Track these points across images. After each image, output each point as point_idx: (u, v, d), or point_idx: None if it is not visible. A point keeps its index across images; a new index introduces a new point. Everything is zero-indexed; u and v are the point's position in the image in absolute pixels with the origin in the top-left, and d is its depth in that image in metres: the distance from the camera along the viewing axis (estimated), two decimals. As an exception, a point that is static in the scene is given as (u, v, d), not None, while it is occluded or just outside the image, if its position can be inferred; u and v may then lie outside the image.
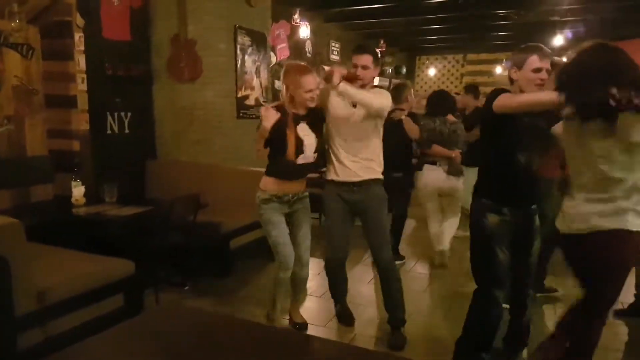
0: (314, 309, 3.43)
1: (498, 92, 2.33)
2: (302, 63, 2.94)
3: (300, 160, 2.78)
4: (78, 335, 1.38)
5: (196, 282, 3.70)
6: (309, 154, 2.81)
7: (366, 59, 2.78)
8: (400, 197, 4.26)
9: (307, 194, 3.00)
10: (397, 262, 4.02)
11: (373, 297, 3.67)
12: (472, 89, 5.65)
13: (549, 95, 2.08)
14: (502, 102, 2.25)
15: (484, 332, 2.56)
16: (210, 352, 1.35)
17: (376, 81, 9.63)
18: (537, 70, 2.28)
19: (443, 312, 3.44)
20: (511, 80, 2.40)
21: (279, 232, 2.88)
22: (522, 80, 2.33)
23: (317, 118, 2.87)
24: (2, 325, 2.16)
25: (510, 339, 2.70)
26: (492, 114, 2.30)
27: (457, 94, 7.74)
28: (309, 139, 2.79)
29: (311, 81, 2.71)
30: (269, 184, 2.88)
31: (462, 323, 2.62)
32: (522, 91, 2.33)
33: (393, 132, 3.77)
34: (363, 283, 3.94)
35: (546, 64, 2.29)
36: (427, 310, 3.51)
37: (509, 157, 2.39)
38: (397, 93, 4.30)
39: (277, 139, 2.72)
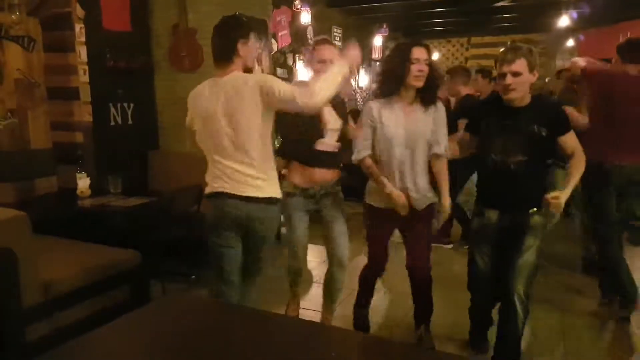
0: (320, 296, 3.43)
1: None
2: (325, 37, 2.69)
3: (320, 146, 2.42)
4: (85, 327, 1.38)
5: (201, 272, 3.71)
6: (329, 141, 2.45)
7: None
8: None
9: (339, 188, 2.58)
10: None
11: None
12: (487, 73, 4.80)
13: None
14: None
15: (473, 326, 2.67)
16: (218, 341, 1.35)
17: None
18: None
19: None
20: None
21: (297, 236, 2.54)
22: None
23: (341, 103, 2.56)
24: (9, 318, 2.18)
25: (499, 348, 2.40)
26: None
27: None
28: (334, 124, 2.47)
29: (324, 52, 2.44)
30: (293, 173, 2.49)
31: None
32: None
33: None
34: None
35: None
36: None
37: (483, 157, 2.35)
38: None
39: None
